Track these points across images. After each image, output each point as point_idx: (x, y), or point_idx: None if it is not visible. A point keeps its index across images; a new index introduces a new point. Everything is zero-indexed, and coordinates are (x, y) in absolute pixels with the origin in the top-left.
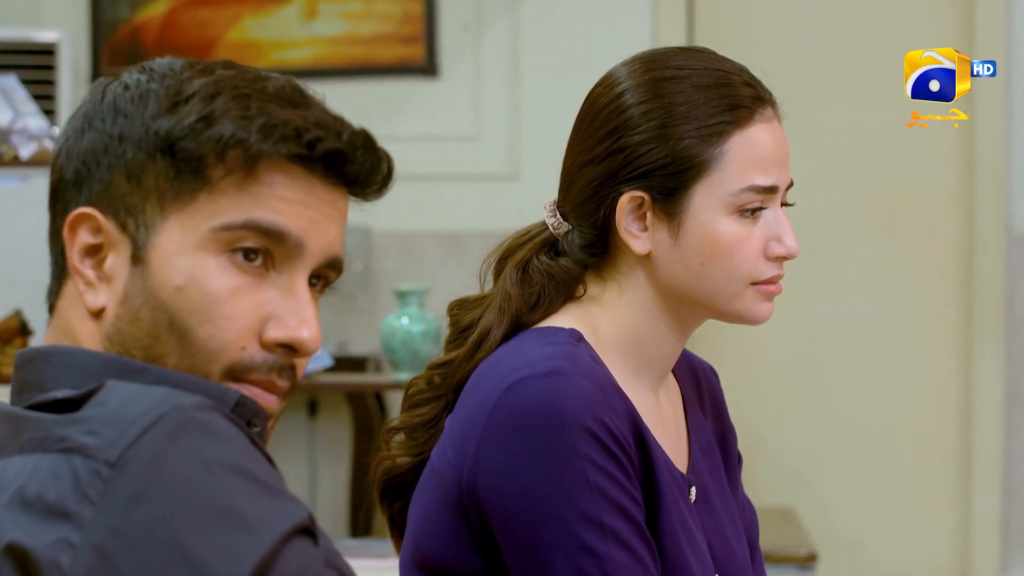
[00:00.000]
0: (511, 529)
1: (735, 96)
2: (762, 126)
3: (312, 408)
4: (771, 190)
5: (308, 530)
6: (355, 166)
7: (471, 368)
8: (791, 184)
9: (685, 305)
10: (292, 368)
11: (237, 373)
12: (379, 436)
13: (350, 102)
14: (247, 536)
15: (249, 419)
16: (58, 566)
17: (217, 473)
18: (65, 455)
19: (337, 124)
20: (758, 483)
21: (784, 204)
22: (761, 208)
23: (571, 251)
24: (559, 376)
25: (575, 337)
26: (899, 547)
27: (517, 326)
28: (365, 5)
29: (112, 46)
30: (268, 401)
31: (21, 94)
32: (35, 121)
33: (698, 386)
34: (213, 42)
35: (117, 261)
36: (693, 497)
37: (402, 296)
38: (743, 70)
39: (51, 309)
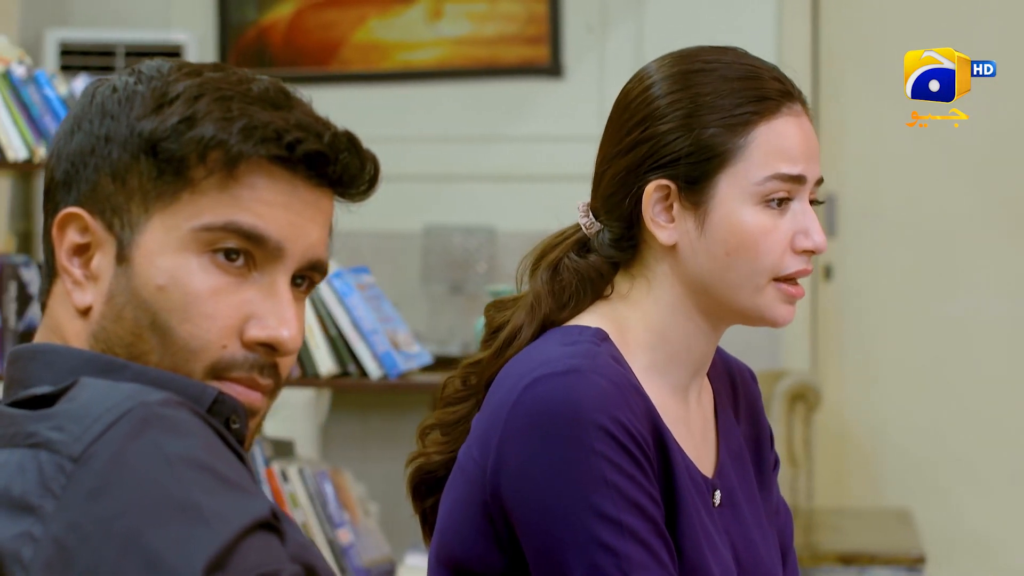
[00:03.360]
0: (530, 527)
1: (762, 88)
2: (789, 119)
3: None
4: (797, 179)
5: (269, 525)
6: (338, 167)
7: (500, 365)
8: (820, 181)
9: (710, 300)
10: (275, 367)
11: (219, 371)
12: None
13: (475, 103)
14: (203, 530)
15: (227, 416)
16: (19, 559)
17: (177, 468)
18: (32, 450)
19: (319, 126)
20: (880, 484)
21: (814, 202)
22: (788, 200)
23: (601, 249)
24: (577, 375)
25: (599, 336)
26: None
27: (546, 324)
28: (490, 6)
29: (239, 48)
30: (251, 398)
31: None
32: None
33: (733, 389)
34: (339, 43)
35: (103, 260)
36: (718, 501)
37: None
38: (773, 67)
39: (43, 307)
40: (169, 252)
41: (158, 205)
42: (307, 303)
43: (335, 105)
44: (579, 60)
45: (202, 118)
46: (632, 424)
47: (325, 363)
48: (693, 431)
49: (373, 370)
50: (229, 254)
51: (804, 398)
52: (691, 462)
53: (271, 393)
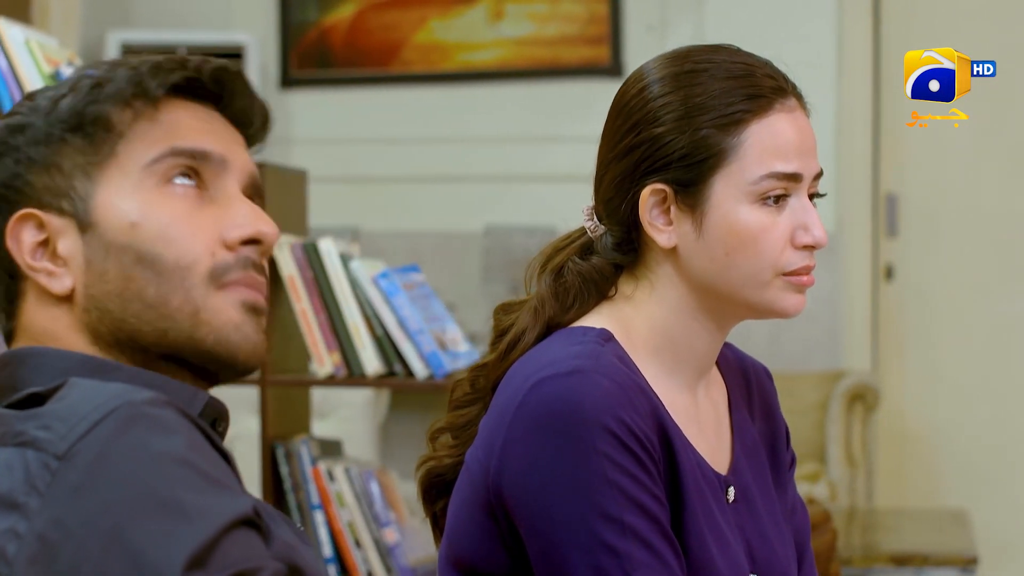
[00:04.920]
0: (533, 527)
1: (754, 86)
2: (782, 115)
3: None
4: (793, 177)
5: (252, 523)
6: (241, 99)
7: (505, 368)
8: (820, 174)
9: (715, 299)
10: (262, 267)
11: (218, 277)
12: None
13: (535, 103)
14: (185, 526)
15: (214, 419)
16: (4, 555)
17: (161, 465)
18: (20, 449)
19: (219, 60)
20: (940, 485)
21: (815, 195)
22: (786, 196)
23: (604, 252)
24: (580, 375)
25: (604, 337)
26: None
27: (551, 326)
28: (551, 6)
29: (300, 49)
30: (256, 297)
31: None
32: None
33: (748, 387)
34: (400, 44)
35: (67, 242)
36: (731, 497)
37: None
38: (767, 63)
39: (9, 335)
40: (128, 194)
41: (101, 167)
42: (354, 303)
43: (396, 106)
44: (640, 60)
45: (113, 77)
46: (636, 424)
47: (371, 363)
48: (705, 429)
49: (419, 370)
50: (182, 178)
51: (863, 398)
52: (703, 459)
53: (265, 294)
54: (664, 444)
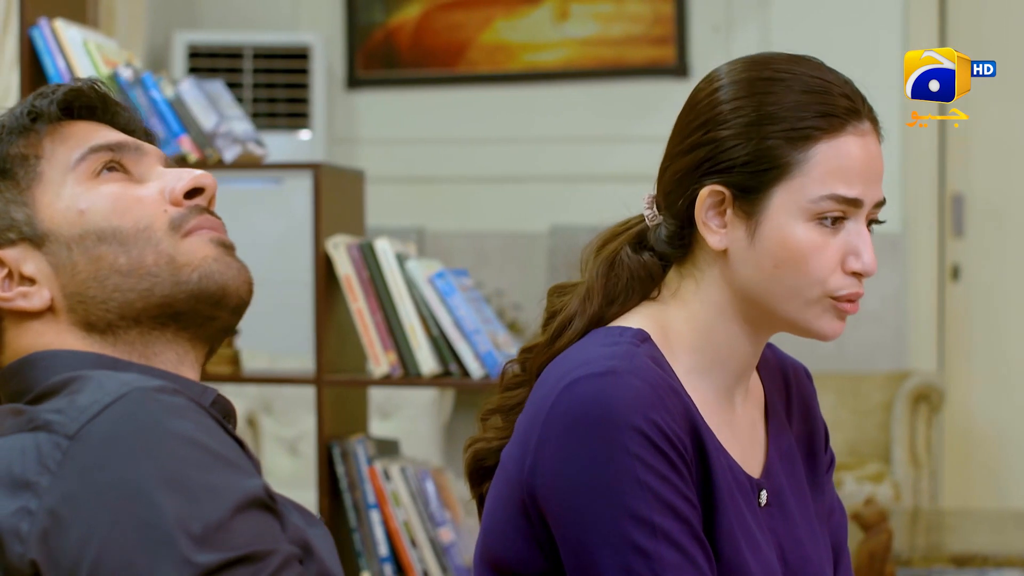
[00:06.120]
0: (564, 528)
1: (829, 104)
2: (853, 138)
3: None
4: (854, 203)
5: (264, 504)
6: (123, 113)
7: (552, 355)
8: (882, 202)
9: (756, 309)
10: (214, 212)
11: (179, 227)
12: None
13: (601, 103)
14: (195, 505)
15: (223, 416)
16: (18, 533)
17: (171, 445)
18: (33, 433)
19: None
20: (1006, 486)
21: (875, 222)
22: (843, 219)
23: (656, 244)
24: (612, 376)
25: (640, 337)
26: None
27: (595, 319)
28: (616, 7)
29: (366, 49)
30: (221, 236)
31: (227, 98)
32: (239, 125)
33: (787, 388)
34: (466, 45)
35: (30, 262)
36: (764, 501)
37: None
38: (847, 83)
39: None
40: (67, 194)
41: (30, 192)
42: (410, 303)
43: (462, 106)
44: (705, 60)
45: (5, 121)
46: (667, 425)
47: (427, 363)
48: (739, 432)
49: (475, 370)
50: (108, 171)
51: (928, 399)
52: (735, 463)
53: (226, 233)
54: (696, 446)
